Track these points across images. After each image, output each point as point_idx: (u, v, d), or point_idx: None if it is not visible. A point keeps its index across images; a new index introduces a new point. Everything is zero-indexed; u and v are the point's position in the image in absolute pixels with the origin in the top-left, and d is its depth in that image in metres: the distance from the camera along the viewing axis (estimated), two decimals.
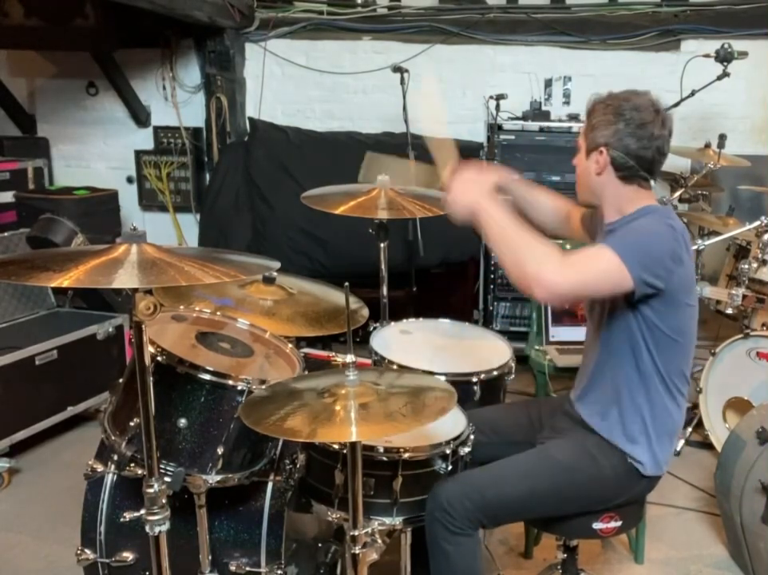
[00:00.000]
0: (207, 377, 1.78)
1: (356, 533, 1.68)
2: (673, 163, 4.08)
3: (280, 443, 2.00)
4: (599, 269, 1.77)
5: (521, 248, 1.78)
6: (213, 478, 1.80)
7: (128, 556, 2.03)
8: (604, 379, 1.96)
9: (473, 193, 1.87)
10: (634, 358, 1.89)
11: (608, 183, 1.90)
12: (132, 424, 1.76)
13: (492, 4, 4.62)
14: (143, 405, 1.53)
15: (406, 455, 1.85)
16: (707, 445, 3.39)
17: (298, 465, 1.97)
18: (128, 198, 4.92)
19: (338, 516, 1.88)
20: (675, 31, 4.39)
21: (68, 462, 3.28)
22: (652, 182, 1.91)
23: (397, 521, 1.87)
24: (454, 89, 4.66)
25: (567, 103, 4.55)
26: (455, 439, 1.93)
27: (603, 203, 1.96)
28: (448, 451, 1.90)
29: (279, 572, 1.99)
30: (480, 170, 1.96)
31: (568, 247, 2.30)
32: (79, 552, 2.05)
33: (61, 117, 5.14)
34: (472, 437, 1.99)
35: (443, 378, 2.07)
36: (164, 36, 4.76)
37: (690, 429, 3.45)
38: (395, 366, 2.20)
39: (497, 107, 4.05)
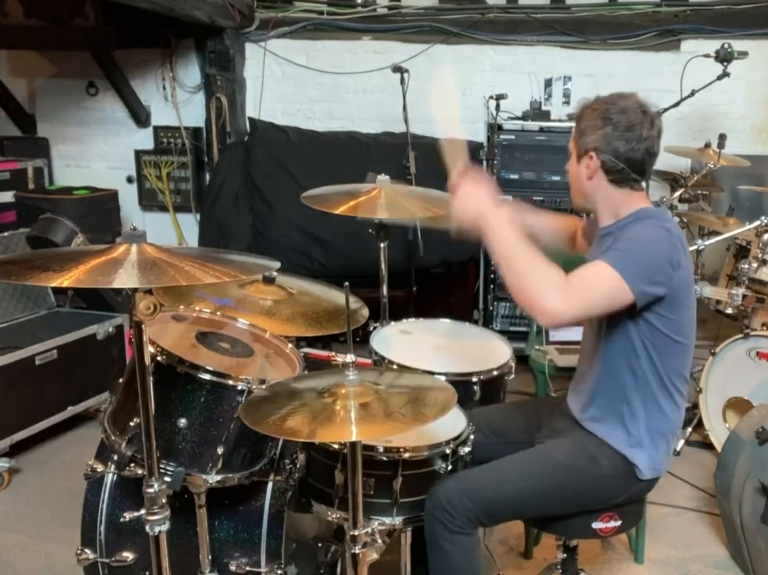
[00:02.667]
0: (207, 377, 1.78)
1: (356, 533, 1.68)
2: (673, 163, 4.09)
3: (280, 443, 2.00)
4: (601, 290, 1.77)
5: (524, 272, 1.76)
6: (213, 478, 1.80)
7: (128, 556, 2.03)
8: (601, 385, 1.96)
9: (480, 205, 1.85)
10: (632, 365, 1.89)
11: (600, 187, 1.91)
12: (132, 424, 1.75)
13: (492, 4, 4.62)
14: (143, 405, 1.53)
15: (406, 455, 1.85)
16: (707, 445, 3.39)
17: (298, 465, 1.96)
18: (128, 198, 4.92)
19: (338, 516, 1.88)
20: (675, 31, 4.40)
21: (68, 462, 3.28)
22: (644, 183, 1.92)
23: (397, 520, 1.87)
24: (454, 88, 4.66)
25: (567, 103, 4.55)
26: (455, 439, 1.93)
27: (596, 207, 1.96)
28: (448, 451, 1.90)
29: (279, 572, 1.99)
30: (487, 182, 1.91)
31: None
32: (79, 552, 2.05)
33: (61, 117, 5.14)
34: (472, 437, 1.99)
35: (443, 378, 2.07)
36: (164, 36, 4.76)
37: (690, 429, 3.46)
38: (395, 366, 2.20)
39: (497, 107, 4.05)
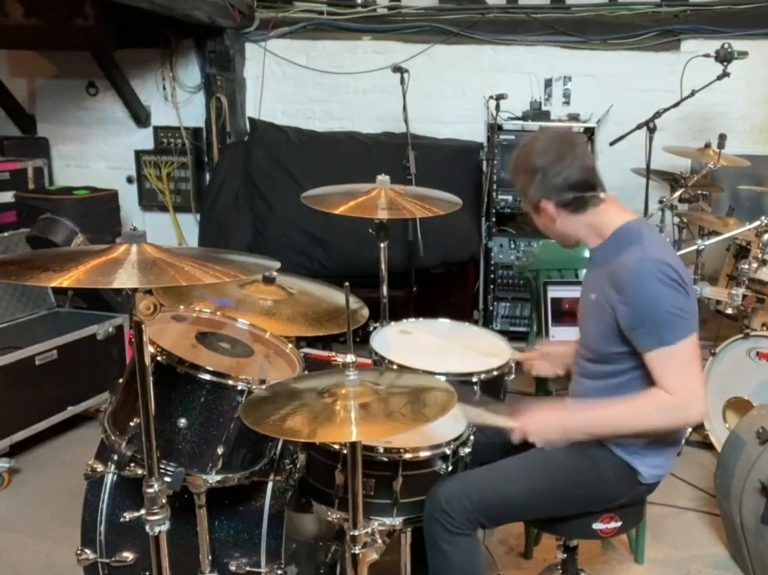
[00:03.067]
0: (207, 377, 1.78)
1: (356, 533, 1.68)
2: (673, 163, 4.09)
3: (280, 443, 2.00)
4: (692, 366, 1.80)
5: (638, 427, 1.84)
6: (213, 478, 1.80)
7: (128, 556, 2.04)
8: (601, 387, 1.95)
9: (556, 426, 1.89)
10: (633, 365, 1.88)
11: (569, 221, 1.92)
12: (132, 424, 1.76)
13: (492, 4, 4.62)
14: (143, 405, 1.53)
15: (406, 456, 1.85)
16: (707, 445, 3.39)
17: (298, 465, 1.97)
18: (128, 198, 4.92)
19: (338, 516, 1.88)
20: (675, 31, 4.40)
21: (68, 462, 3.28)
22: (602, 193, 1.91)
23: (397, 521, 1.88)
24: (454, 89, 4.66)
25: (567, 103, 4.55)
26: (455, 440, 1.94)
27: (580, 237, 1.98)
28: (448, 452, 1.90)
29: (279, 572, 1.99)
30: (543, 409, 1.93)
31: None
32: (79, 552, 2.05)
33: (61, 117, 5.15)
34: (472, 437, 1.99)
35: (443, 378, 2.07)
36: (164, 36, 4.77)
37: (690, 429, 3.45)
38: (395, 367, 2.20)
39: (497, 107, 4.05)
